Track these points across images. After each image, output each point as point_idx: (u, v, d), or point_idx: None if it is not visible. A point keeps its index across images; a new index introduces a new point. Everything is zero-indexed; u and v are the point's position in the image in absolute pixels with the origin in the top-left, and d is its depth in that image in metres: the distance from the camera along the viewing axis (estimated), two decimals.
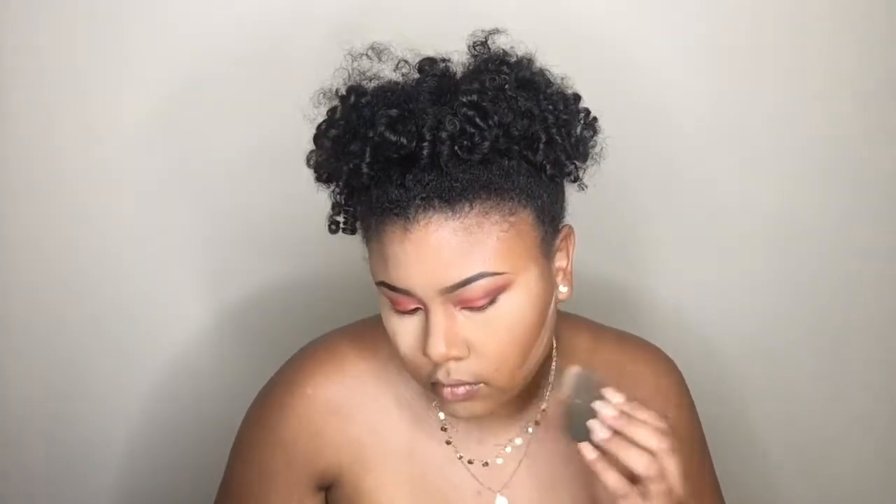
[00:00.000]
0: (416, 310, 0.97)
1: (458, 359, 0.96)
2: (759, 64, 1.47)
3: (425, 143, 0.92)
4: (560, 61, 1.01)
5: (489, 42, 1.01)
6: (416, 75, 0.99)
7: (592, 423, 0.94)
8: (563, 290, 1.03)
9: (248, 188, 1.46)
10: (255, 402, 1.14)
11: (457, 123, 0.92)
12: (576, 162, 1.00)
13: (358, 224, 1.01)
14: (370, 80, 1.00)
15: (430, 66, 0.98)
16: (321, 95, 1.01)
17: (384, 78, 1.00)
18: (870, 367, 1.58)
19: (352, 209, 1.00)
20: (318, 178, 1.01)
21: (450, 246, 0.93)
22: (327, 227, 1.02)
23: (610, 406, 0.95)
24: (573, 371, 0.99)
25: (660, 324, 1.53)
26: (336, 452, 1.10)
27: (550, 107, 0.97)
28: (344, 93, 0.99)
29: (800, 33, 1.47)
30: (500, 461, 1.11)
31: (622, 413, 0.94)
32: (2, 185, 1.41)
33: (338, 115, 0.98)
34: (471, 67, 0.99)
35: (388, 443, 1.10)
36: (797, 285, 1.56)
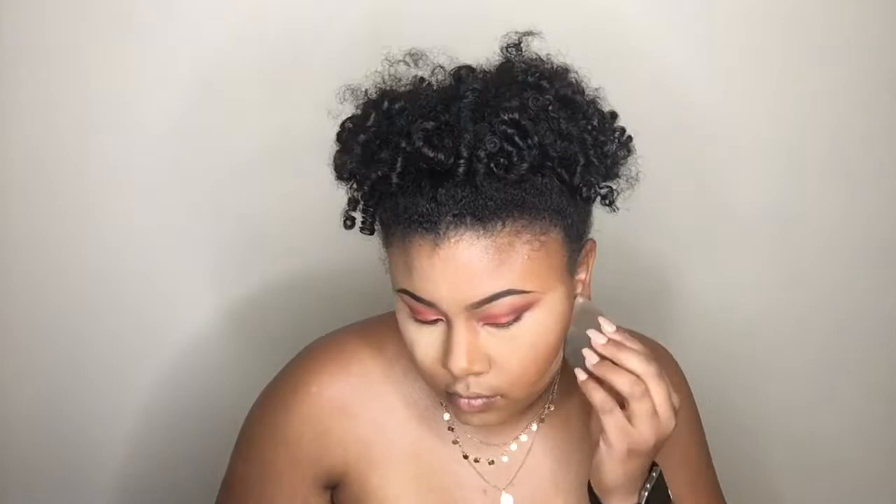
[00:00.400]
0: (436, 320, 0.96)
1: (478, 374, 0.96)
2: (780, 66, 1.48)
3: (462, 160, 0.90)
4: (575, 60, 1.00)
5: (522, 45, 1.00)
6: (446, 80, 0.98)
7: (585, 351, 0.97)
8: (580, 301, 1.03)
9: (253, 186, 1.45)
10: (258, 400, 1.13)
11: (496, 142, 0.90)
12: (610, 185, 0.99)
13: (377, 226, 0.99)
14: (404, 87, 0.98)
15: (469, 76, 0.96)
16: (347, 92, 0.99)
17: (413, 78, 0.98)
18: (873, 365, 1.61)
19: (372, 210, 0.98)
20: (339, 178, 0.99)
21: (480, 264, 0.92)
22: (342, 223, 1.00)
23: (601, 335, 0.97)
24: (577, 302, 1.01)
25: (665, 322, 1.55)
26: (342, 451, 1.09)
27: (589, 127, 0.96)
28: (375, 97, 0.97)
29: (806, 33, 1.48)
30: (505, 459, 1.11)
31: (612, 341, 0.97)
32: (8, 183, 1.39)
33: (370, 121, 0.95)
34: (506, 76, 0.97)
35: (395, 441, 1.09)
36: (803, 285, 1.57)
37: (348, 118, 0.99)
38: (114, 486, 1.51)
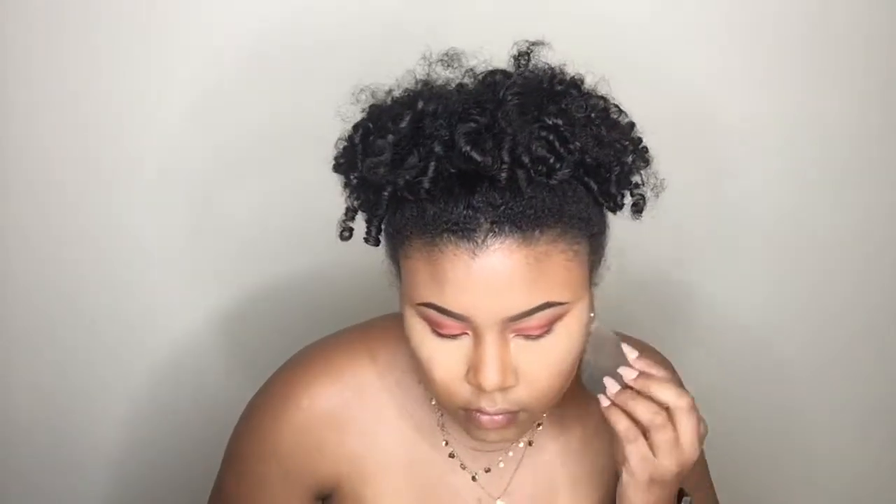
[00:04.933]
0: (460, 334, 0.92)
1: (508, 388, 0.92)
2: (812, 73, 1.47)
3: (505, 164, 0.86)
4: (586, 65, 0.97)
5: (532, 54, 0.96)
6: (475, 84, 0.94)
7: (607, 380, 0.97)
8: (595, 325, 1.01)
9: (240, 191, 1.42)
10: (247, 412, 1.10)
11: (541, 147, 0.88)
12: (642, 192, 0.97)
13: (382, 237, 0.95)
14: (430, 88, 0.93)
15: (504, 81, 0.92)
16: (366, 93, 0.95)
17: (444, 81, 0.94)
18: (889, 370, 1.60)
19: (379, 218, 0.93)
20: (347, 184, 0.94)
21: (520, 275, 0.88)
22: (338, 234, 0.96)
23: (631, 369, 0.97)
24: (591, 327, 0.99)
25: (674, 326, 1.54)
26: (334, 464, 1.06)
27: (619, 136, 0.94)
28: (406, 97, 0.92)
29: (820, 35, 1.47)
30: (501, 465, 1.09)
31: (641, 374, 0.97)
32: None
33: (403, 122, 0.89)
34: (536, 82, 0.93)
35: (388, 453, 1.07)
36: (817, 290, 1.57)
37: (367, 119, 0.93)
38: (105, 494, 1.50)
